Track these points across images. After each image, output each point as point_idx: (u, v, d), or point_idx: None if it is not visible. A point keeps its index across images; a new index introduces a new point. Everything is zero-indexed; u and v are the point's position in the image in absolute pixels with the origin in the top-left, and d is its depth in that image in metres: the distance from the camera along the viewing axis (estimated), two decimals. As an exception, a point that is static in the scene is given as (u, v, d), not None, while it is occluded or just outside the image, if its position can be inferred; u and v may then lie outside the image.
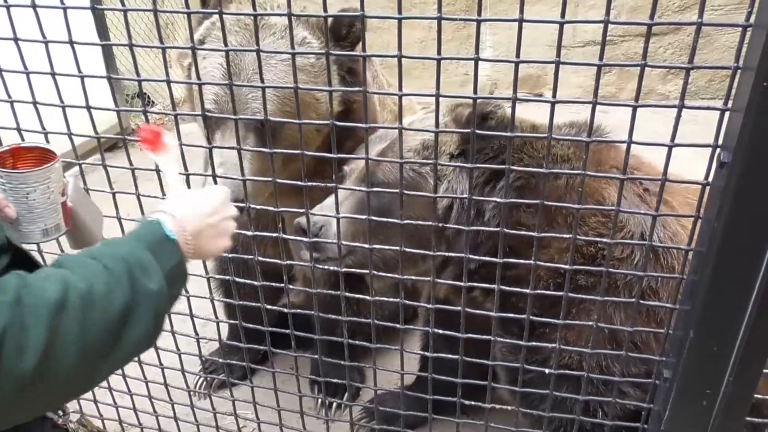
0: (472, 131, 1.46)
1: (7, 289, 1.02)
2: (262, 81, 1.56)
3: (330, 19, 2.19)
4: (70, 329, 1.04)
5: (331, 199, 1.93)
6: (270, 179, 1.70)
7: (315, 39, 2.23)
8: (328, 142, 1.71)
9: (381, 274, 1.86)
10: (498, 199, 1.66)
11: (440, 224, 1.65)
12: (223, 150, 1.90)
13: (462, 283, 1.70)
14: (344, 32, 2.17)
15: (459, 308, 1.73)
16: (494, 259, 1.61)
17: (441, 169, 1.96)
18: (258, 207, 1.85)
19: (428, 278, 1.75)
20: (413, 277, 1.84)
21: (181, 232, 1.27)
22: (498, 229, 1.56)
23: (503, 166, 1.49)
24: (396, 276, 1.77)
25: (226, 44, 1.55)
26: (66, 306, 1.05)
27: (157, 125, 1.52)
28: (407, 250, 1.70)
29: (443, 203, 1.92)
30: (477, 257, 1.74)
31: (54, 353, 1.02)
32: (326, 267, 1.89)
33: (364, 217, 1.70)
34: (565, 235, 1.61)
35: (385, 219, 1.73)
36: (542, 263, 1.64)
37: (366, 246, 1.69)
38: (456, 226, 1.70)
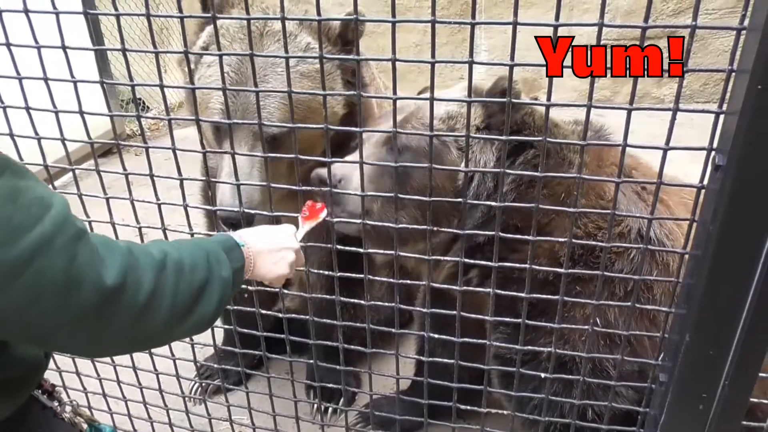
0: (466, 135, 1.46)
1: (119, 242, 1.20)
2: (256, 85, 1.56)
3: (338, 25, 2.20)
4: (168, 286, 1.22)
5: (350, 157, 1.93)
6: (264, 184, 1.69)
7: (316, 43, 2.21)
8: (334, 144, 1.69)
9: (377, 251, 1.84)
10: (494, 203, 1.65)
11: (435, 227, 1.64)
12: (233, 161, 1.91)
13: (458, 288, 1.70)
14: (351, 36, 2.17)
15: (455, 312, 1.73)
16: (489, 263, 1.61)
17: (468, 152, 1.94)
18: (253, 212, 1.85)
19: (423, 282, 1.75)
20: (408, 282, 1.83)
21: (246, 248, 1.47)
22: (492, 232, 1.56)
23: (498, 170, 1.49)
24: (391, 280, 1.76)
25: (219, 48, 1.54)
26: (165, 266, 1.23)
27: (318, 204, 1.76)
28: (402, 254, 1.70)
29: (463, 174, 1.91)
30: (473, 261, 1.75)
31: (155, 301, 1.19)
32: (343, 220, 1.85)
33: (359, 193, 1.69)
34: (560, 239, 1.61)
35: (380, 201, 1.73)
36: (536, 267, 1.63)
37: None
38: (453, 230, 1.69)
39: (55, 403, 1.57)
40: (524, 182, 1.89)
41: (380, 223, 1.80)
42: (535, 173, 1.44)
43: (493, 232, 1.56)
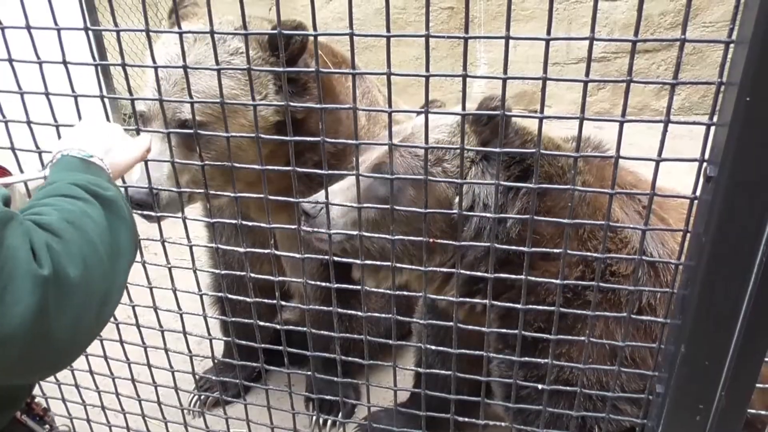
0: (462, 146, 1.48)
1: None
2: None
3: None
4: (92, 240, 1.13)
5: (337, 185, 1.93)
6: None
7: (250, 49, 2.22)
8: (283, 154, 1.63)
9: (372, 262, 1.83)
10: (489, 215, 1.67)
11: (432, 239, 1.66)
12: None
13: (456, 298, 1.71)
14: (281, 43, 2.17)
15: (452, 323, 1.73)
16: (486, 275, 1.62)
17: (463, 170, 1.93)
18: (251, 224, 1.86)
19: (420, 293, 1.75)
20: (405, 293, 1.84)
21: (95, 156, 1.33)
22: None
23: (490, 182, 1.51)
24: (388, 291, 1.77)
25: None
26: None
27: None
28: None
29: (464, 205, 1.88)
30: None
31: (90, 262, 1.11)
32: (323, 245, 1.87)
33: (354, 203, 1.69)
34: (556, 250, 1.62)
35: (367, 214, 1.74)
36: (533, 278, 1.64)
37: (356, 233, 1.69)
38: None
39: (46, 428, 1.53)
40: (528, 213, 1.87)
41: (375, 235, 1.80)
42: (530, 185, 1.45)
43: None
